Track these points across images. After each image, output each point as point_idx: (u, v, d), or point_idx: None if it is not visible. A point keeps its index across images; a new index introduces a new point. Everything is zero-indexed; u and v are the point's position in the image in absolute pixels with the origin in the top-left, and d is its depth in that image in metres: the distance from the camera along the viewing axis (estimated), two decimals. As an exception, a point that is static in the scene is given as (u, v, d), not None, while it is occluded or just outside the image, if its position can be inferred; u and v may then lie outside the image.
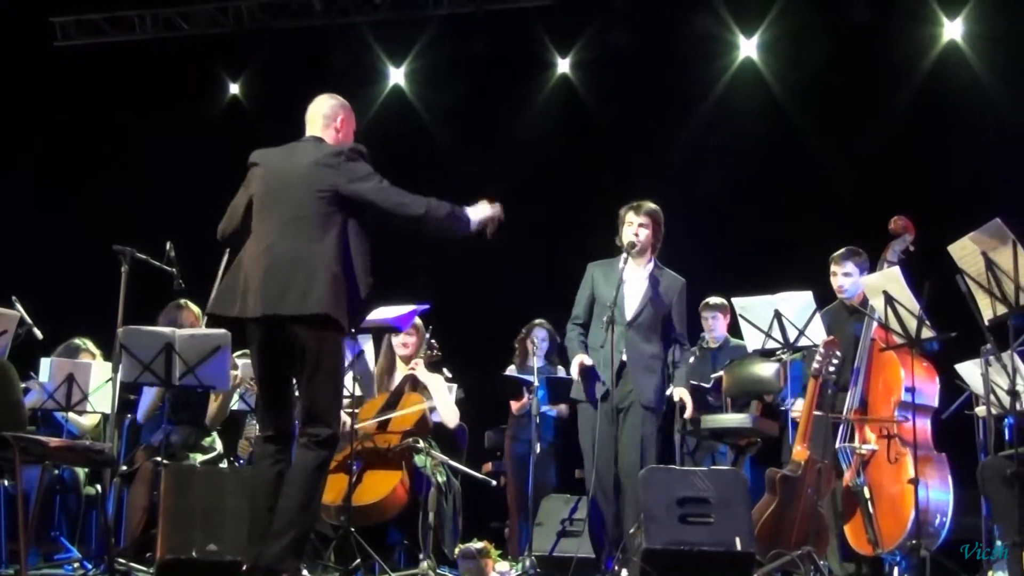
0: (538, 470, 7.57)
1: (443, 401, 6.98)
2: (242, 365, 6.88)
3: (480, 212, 5.26)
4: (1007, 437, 6.89)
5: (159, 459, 6.46)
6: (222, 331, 6.09)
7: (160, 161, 10.87)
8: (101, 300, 6.93)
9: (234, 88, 11.73)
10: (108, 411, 6.61)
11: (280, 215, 5.01)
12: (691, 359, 6.71)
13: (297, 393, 5.20)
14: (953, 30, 9.96)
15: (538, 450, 7.42)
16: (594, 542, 6.31)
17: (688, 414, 6.39)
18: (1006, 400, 6.26)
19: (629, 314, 6.34)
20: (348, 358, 6.31)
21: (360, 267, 5.00)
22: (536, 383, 7.48)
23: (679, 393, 6.31)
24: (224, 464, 7.21)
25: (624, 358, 6.27)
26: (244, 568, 4.89)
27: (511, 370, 8.51)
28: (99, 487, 7.23)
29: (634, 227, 6.39)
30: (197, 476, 6.01)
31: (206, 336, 6.31)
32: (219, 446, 7.29)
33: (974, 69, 9.82)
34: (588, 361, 6.30)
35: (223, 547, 5.66)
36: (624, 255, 6.31)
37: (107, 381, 6.63)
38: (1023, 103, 9.37)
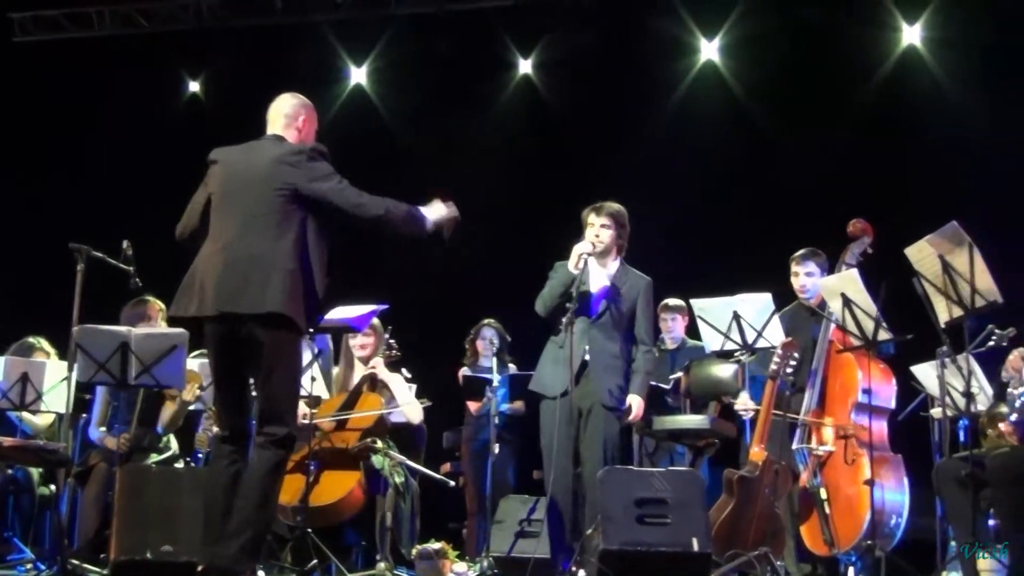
0: (496, 470, 7.56)
1: (405, 399, 6.97)
2: (200, 365, 6.83)
3: (436, 212, 5.26)
4: (962, 438, 6.96)
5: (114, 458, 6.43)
6: (179, 330, 6.03)
7: (119, 159, 10.78)
8: (56, 299, 6.86)
9: (194, 86, 11.65)
10: (62, 411, 6.54)
11: (238, 212, 4.99)
12: (652, 363, 6.68)
13: (254, 392, 5.17)
14: (912, 35, 10.05)
15: (496, 450, 7.40)
16: (552, 543, 6.30)
17: (631, 418, 6.37)
18: (961, 402, 6.31)
19: (593, 313, 6.33)
20: (307, 357, 6.29)
21: (318, 267, 4.98)
22: (496, 382, 7.47)
23: (629, 400, 6.31)
24: (179, 464, 7.16)
25: (587, 357, 6.26)
26: (199, 569, 4.85)
27: (464, 371, 8.51)
28: (53, 487, 7.17)
29: (595, 228, 6.39)
30: (152, 476, 5.97)
31: (162, 335, 6.26)
32: (174, 446, 7.24)
33: (933, 73, 9.91)
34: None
35: (178, 548, 5.62)
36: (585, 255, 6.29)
37: (62, 380, 6.56)
38: (980, 107, 9.46)
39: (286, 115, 5.27)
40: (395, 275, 9.54)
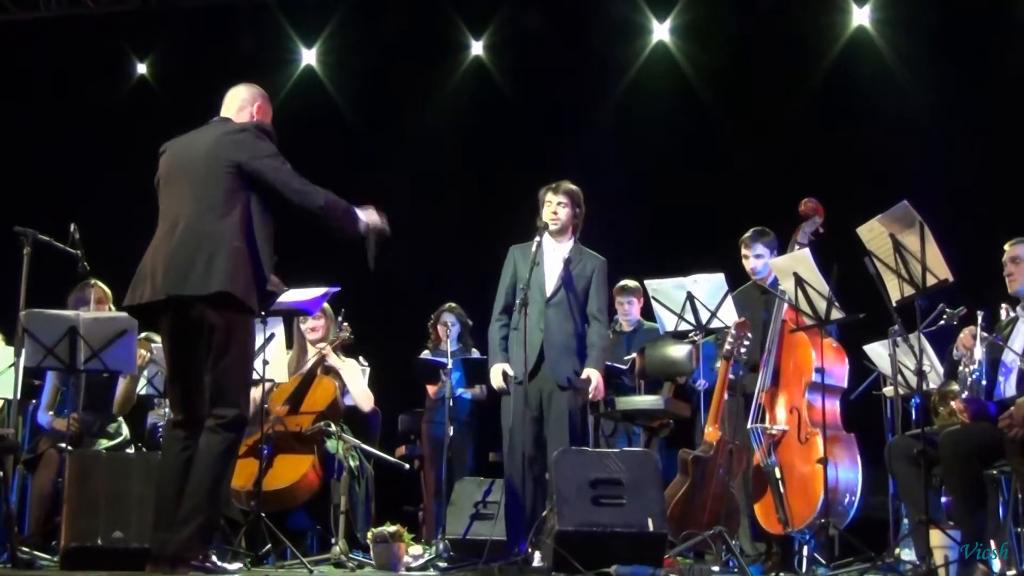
0: (455, 453, 7.55)
1: (356, 385, 6.94)
2: (156, 348, 6.75)
3: (368, 216, 5.19)
4: (913, 417, 7.02)
5: (63, 445, 6.35)
6: (127, 314, 5.96)
7: (65, 141, 10.64)
8: (2, 283, 6.76)
9: (142, 68, 11.49)
10: (10, 396, 6.46)
11: (184, 191, 4.95)
12: (607, 338, 6.66)
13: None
14: (861, 16, 10.11)
15: (452, 433, 7.39)
16: (510, 525, 6.29)
17: (591, 393, 6.35)
18: (913, 380, 6.37)
19: (548, 292, 6.32)
20: (260, 340, 6.24)
21: (263, 244, 4.93)
22: (450, 366, 7.45)
23: (587, 373, 6.30)
24: (130, 450, 7.09)
25: (544, 338, 6.23)
26: (150, 555, 4.80)
27: (425, 355, 8.48)
28: (1, 474, 7.06)
29: (552, 206, 6.38)
30: (102, 462, 5.87)
31: (111, 320, 6.20)
32: (125, 431, 7.17)
33: (882, 54, 9.98)
34: (510, 370, 6.28)
35: (129, 534, 5.54)
36: (539, 236, 6.28)
37: (10, 366, 6.47)
38: (929, 87, 9.54)
39: (242, 99, 5.22)
40: (348, 257, 9.47)
